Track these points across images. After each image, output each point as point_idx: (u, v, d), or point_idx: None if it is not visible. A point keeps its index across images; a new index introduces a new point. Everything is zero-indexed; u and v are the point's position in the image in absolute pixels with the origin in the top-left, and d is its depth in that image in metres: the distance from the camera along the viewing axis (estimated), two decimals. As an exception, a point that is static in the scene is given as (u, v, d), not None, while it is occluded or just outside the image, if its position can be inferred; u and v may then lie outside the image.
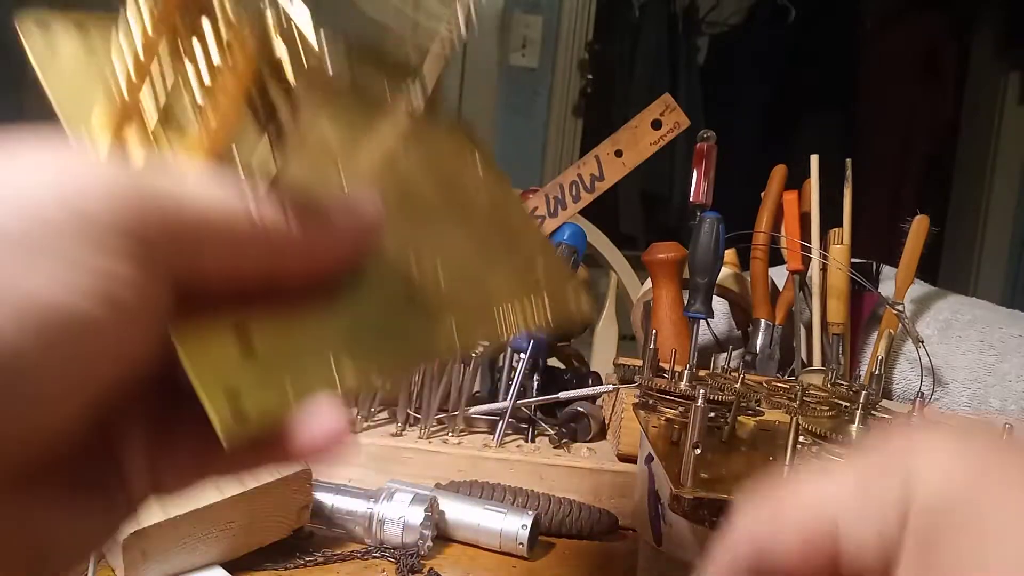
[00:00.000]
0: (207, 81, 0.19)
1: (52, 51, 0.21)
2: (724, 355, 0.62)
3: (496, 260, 0.26)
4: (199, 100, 0.19)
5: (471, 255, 0.26)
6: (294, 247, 0.19)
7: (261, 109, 0.20)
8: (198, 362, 0.18)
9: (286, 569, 0.43)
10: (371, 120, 0.26)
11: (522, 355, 0.60)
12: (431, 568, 0.44)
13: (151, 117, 0.20)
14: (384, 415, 0.60)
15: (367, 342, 0.21)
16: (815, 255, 0.70)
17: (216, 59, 0.19)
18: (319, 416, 0.19)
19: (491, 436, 0.58)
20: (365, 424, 0.57)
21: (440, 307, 0.23)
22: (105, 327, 0.16)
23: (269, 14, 0.19)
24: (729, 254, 0.74)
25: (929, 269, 0.74)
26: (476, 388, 0.63)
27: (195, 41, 0.19)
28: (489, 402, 0.60)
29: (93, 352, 0.16)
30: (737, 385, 0.47)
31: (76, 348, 0.16)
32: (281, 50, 0.19)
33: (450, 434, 0.58)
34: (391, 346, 0.22)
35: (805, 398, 0.45)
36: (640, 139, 0.65)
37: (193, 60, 0.19)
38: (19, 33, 0.21)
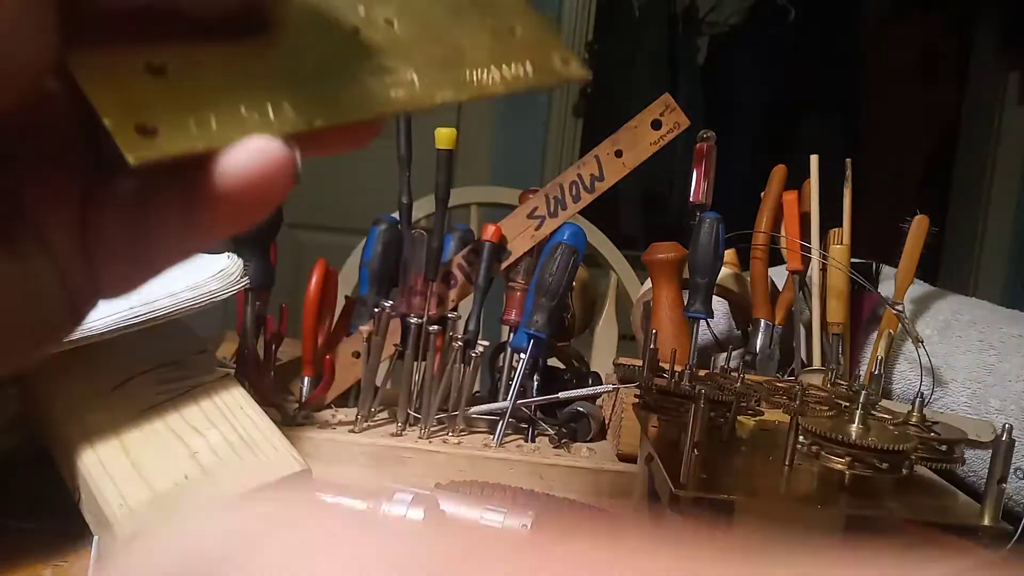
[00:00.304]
0: None
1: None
2: (724, 355, 0.62)
3: (466, 23, 0.23)
4: None
5: (435, 14, 0.22)
6: None
7: None
8: (95, 77, 0.16)
9: (286, 569, 0.43)
10: None
11: (522, 355, 0.60)
12: (431, 568, 0.44)
13: None
14: (384, 415, 0.60)
15: (307, 83, 0.19)
16: (815, 255, 0.70)
17: None
18: (251, 144, 0.16)
19: (491, 436, 0.58)
20: (365, 424, 0.57)
21: (396, 55, 0.21)
22: None
23: None
24: (729, 254, 0.74)
25: (929, 269, 0.74)
26: (476, 388, 0.63)
27: None
28: (489, 402, 0.60)
29: None
30: (737, 385, 0.47)
31: None
32: None
33: (450, 434, 0.58)
34: (337, 90, 0.19)
35: (805, 398, 0.45)
36: (640, 139, 0.65)
37: None
38: None
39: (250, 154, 0.16)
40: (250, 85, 0.18)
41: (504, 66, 0.22)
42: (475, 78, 0.21)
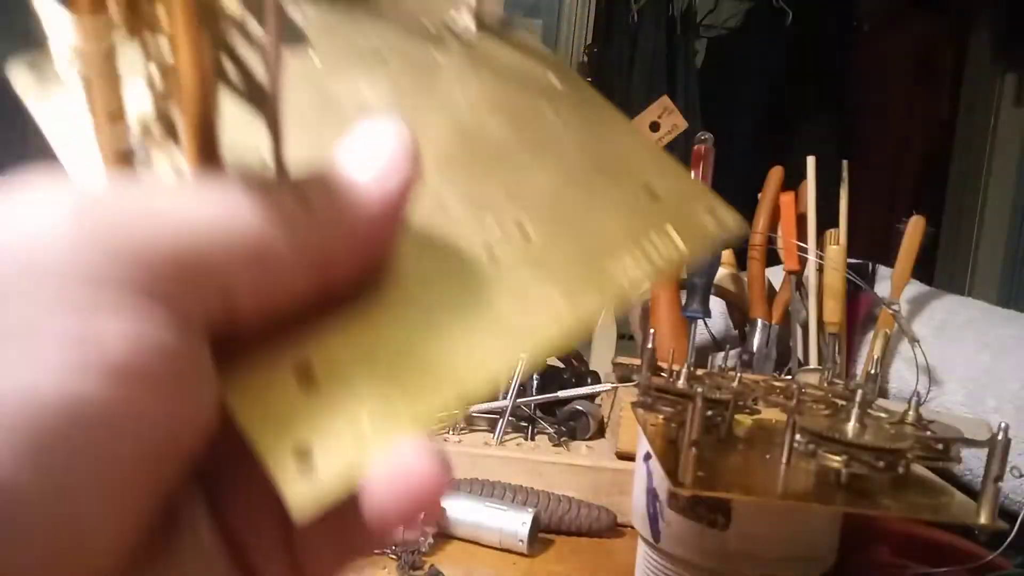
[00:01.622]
0: (167, 62, 0.16)
1: (45, 91, 0.20)
2: (721, 354, 0.62)
3: (598, 196, 0.21)
4: (166, 92, 0.17)
5: (564, 198, 0.20)
6: (335, 241, 0.15)
7: (240, 83, 0.17)
8: (254, 414, 0.15)
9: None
10: (401, 51, 0.23)
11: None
12: (432, 565, 0.45)
13: (138, 127, 0.18)
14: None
15: (449, 340, 0.17)
16: (811, 256, 0.71)
17: (167, 42, 0.16)
18: (406, 461, 0.14)
19: (491, 434, 0.58)
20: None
21: (533, 270, 0.19)
22: (135, 409, 0.12)
23: None
24: (726, 254, 0.74)
25: (925, 269, 0.74)
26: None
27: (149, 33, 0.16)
28: (489, 400, 0.61)
29: (127, 449, 0.12)
30: (734, 384, 0.48)
31: (101, 453, 0.12)
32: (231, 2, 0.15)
33: (450, 432, 0.58)
34: (485, 337, 0.17)
35: (801, 397, 0.45)
36: (638, 141, 0.65)
37: (153, 50, 0.17)
38: (9, 78, 0.20)
39: (416, 489, 0.14)
40: (391, 363, 0.16)
41: (647, 244, 0.20)
42: (622, 271, 0.19)
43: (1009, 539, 0.48)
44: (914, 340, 0.68)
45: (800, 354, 0.73)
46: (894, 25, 2.35)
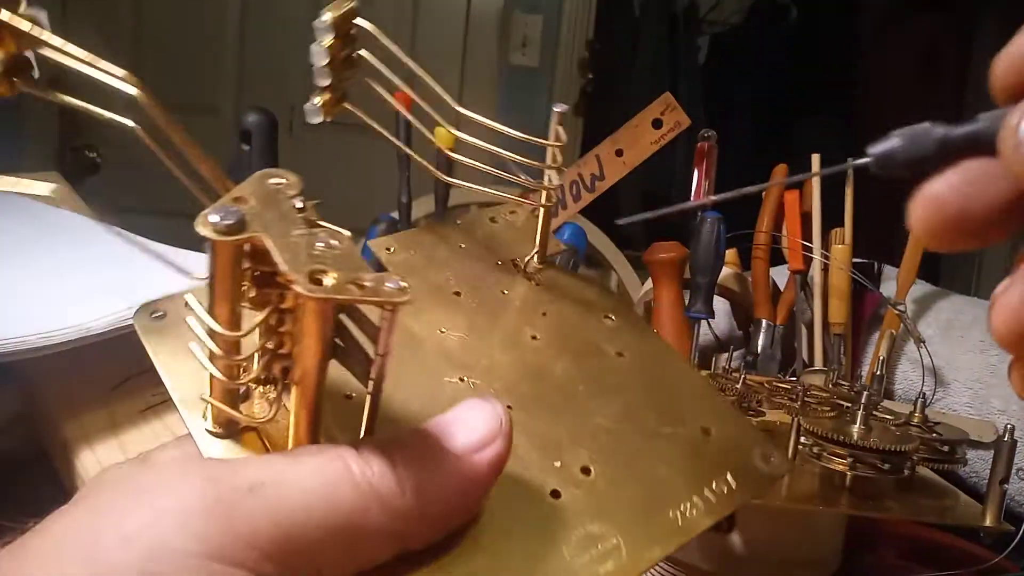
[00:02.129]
0: (286, 347, 0.18)
1: (162, 339, 0.22)
2: (725, 355, 0.61)
3: (659, 440, 0.22)
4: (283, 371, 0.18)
5: (627, 441, 0.22)
6: (423, 516, 0.17)
7: (352, 354, 0.19)
8: None
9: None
10: (475, 288, 0.25)
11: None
12: None
13: (252, 391, 0.20)
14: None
15: None
16: (816, 255, 0.70)
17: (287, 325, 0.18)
18: None
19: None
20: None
21: (598, 514, 0.20)
22: None
23: (317, 249, 0.18)
24: (730, 254, 0.73)
25: (931, 269, 0.74)
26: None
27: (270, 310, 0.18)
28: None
29: None
30: (738, 385, 0.47)
31: None
32: (345, 288, 0.17)
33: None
34: None
35: (806, 398, 0.45)
36: (641, 138, 0.65)
37: (274, 330, 0.18)
38: (136, 330, 0.22)
39: None
40: None
41: (706, 489, 0.21)
42: (679, 515, 0.21)
43: (1015, 542, 0.47)
44: (920, 340, 0.68)
45: (805, 355, 0.72)
46: (899, 23, 2.34)
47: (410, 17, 1.86)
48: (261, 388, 0.20)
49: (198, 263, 0.46)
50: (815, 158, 0.73)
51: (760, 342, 0.71)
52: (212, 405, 0.19)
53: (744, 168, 1.26)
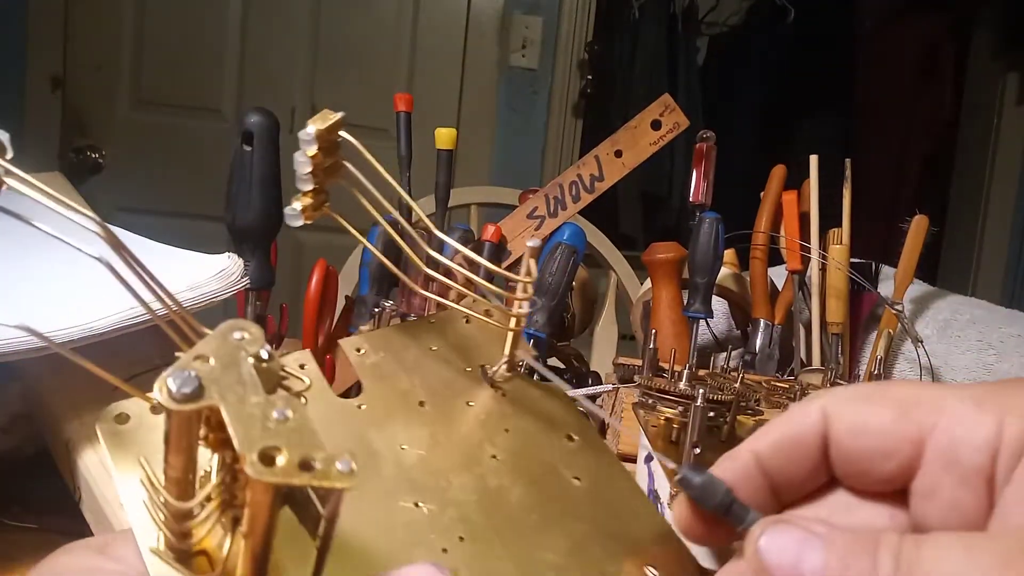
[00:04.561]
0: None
1: (124, 448, 0.22)
2: (723, 355, 0.62)
3: (602, 563, 0.23)
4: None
5: (574, 565, 0.23)
6: None
7: (301, 509, 0.19)
8: None
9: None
10: (439, 396, 0.25)
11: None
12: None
13: (202, 493, 0.20)
14: (384, 415, 0.59)
15: None
16: (814, 255, 0.71)
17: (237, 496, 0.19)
18: None
19: (491, 436, 0.58)
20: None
21: None
22: None
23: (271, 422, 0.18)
24: (728, 254, 0.74)
25: (928, 269, 0.74)
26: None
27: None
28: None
29: None
30: (736, 385, 0.47)
31: None
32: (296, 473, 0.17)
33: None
34: None
35: (804, 397, 0.45)
36: (640, 139, 0.65)
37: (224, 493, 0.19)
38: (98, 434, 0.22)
39: None
40: None
41: None
42: None
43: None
44: (917, 340, 0.68)
45: (803, 354, 0.73)
46: (896, 23, 2.34)
47: (410, 18, 1.86)
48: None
49: (199, 263, 0.47)
50: (813, 159, 0.73)
51: (758, 342, 0.71)
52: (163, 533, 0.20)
53: (743, 169, 1.27)
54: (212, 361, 0.19)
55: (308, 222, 0.27)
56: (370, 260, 0.64)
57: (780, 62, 2.34)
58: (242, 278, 0.47)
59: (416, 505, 0.23)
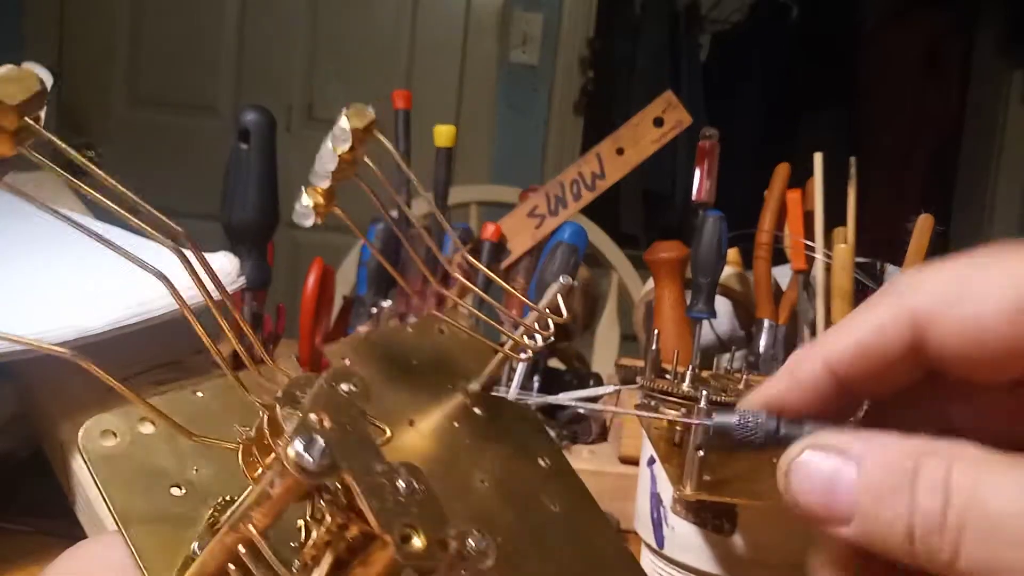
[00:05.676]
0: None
1: (114, 468, 0.21)
2: (727, 356, 0.61)
3: None
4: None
5: None
6: None
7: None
8: None
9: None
10: (427, 415, 0.25)
11: (521, 355, 0.59)
12: (430, 571, 0.44)
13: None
14: (384, 415, 0.59)
15: None
16: (819, 254, 0.70)
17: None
18: None
19: (491, 437, 0.57)
20: (364, 425, 0.57)
21: None
22: None
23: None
24: (732, 253, 0.73)
25: (934, 268, 0.73)
26: (476, 388, 0.63)
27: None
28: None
29: None
30: (740, 386, 0.47)
31: None
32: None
33: (450, 435, 0.57)
34: None
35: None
36: (642, 137, 0.64)
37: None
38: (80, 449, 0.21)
39: None
40: None
41: None
42: None
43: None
44: (922, 340, 0.67)
45: (806, 354, 0.72)
46: (901, 21, 2.33)
47: (410, 14, 1.86)
48: None
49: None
50: (817, 157, 0.72)
51: (762, 342, 0.70)
52: None
53: (746, 167, 1.26)
54: (326, 420, 0.17)
55: (319, 221, 0.26)
56: (368, 259, 0.63)
57: (783, 59, 2.33)
58: (238, 277, 0.46)
59: None
